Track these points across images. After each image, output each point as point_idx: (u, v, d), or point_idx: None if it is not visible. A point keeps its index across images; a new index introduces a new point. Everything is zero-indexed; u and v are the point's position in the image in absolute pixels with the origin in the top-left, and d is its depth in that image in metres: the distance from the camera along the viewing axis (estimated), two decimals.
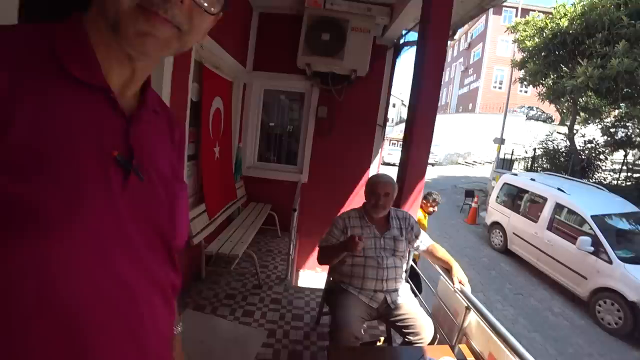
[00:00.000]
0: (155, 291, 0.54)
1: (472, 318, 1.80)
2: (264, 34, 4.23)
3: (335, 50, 3.83)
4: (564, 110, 13.63)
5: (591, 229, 5.71)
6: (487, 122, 22.16)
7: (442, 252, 2.10)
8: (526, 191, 7.58)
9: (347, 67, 3.89)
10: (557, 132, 13.39)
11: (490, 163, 16.16)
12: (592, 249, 5.48)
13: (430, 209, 4.28)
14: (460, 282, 1.90)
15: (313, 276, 4.52)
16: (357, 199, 4.47)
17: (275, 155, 4.92)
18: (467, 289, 1.87)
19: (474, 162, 23.34)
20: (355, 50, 3.83)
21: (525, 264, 7.17)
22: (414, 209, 2.52)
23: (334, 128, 4.39)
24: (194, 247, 2.84)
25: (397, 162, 3.06)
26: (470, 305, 1.76)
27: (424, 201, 4.19)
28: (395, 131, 25.91)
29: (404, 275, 2.11)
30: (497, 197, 8.45)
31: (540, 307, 5.70)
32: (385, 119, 4.72)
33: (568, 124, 12.73)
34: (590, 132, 12.51)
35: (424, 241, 2.14)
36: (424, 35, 2.57)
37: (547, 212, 6.72)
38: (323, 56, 3.85)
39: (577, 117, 12.42)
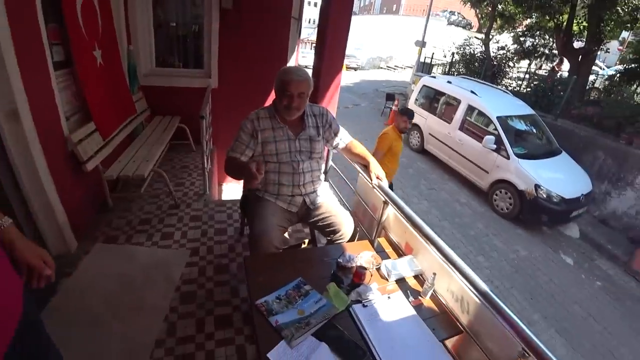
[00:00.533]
0: None
1: (390, 212, 1.84)
2: None
3: None
4: (483, 17, 13.71)
5: (495, 129, 6.28)
6: (410, 25, 21.95)
7: (360, 149, 2.03)
8: (443, 94, 7.85)
9: None
10: (475, 38, 13.65)
11: (412, 68, 16.40)
12: (495, 146, 6.14)
13: (403, 126, 3.77)
14: (377, 178, 1.89)
15: (237, 188, 4.39)
16: (271, 99, 4.20)
17: (181, 60, 4.27)
18: (385, 184, 1.87)
19: (396, 66, 23.56)
20: None
21: (439, 162, 7.80)
22: (332, 106, 2.38)
23: (242, 21, 3.83)
24: (90, 173, 2.46)
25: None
26: (388, 200, 1.78)
27: (402, 117, 3.75)
28: (315, 34, 24.61)
29: (322, 176, 2.02)
30: (416, 99, 8.64)
31: (450, 199, 6.43)
32: (301, 11, 4.24)
33: (485, 30, 13.04)
34: (504, 40, 12.97)
35: (343, 138, 2.01)
36: None
37: (459, 113, 7.11)
38: None
39: (495, 23, 12.69)
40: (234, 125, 4.12)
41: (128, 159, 2.77)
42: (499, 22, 13.13)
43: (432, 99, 8.22)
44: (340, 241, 1.84)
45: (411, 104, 8.82)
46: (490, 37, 12.91)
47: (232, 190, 4.37)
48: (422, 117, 8.23)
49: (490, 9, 12.53)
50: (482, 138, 6.31)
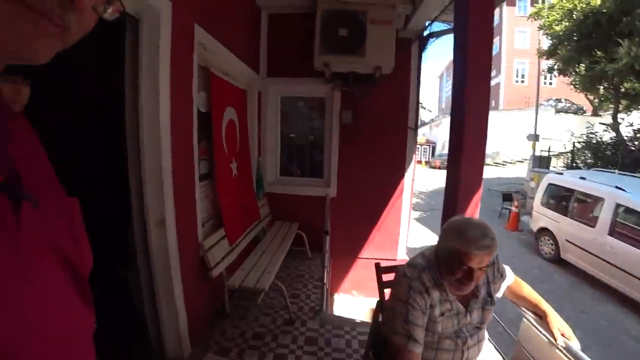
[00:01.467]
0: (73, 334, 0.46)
1: None
2: (276, 36, 3.90)
3: (355, 46, 3.42)
4: (600, 99, 12.54)
5: None
6: (513, 118, 21.29)
7: (527, 290, 1.54)
8: (576, 191, 6.74)
9: (370, 64, 3.47)
10: (600, 123, 12.29)
11: (522, 162, 15.24)
12: None
13: None
14: (563, 335, 1.36)
15: (349, 301, 4.05)
16: (392, 211, 4.01)
17: (299, 168, 4.54)
18: (575, 344, 1.33)
19: (504, 162, 22.33)
20: (378, 45, 3.41)
21: (584, 275, 6.30)
22: None
23: (360, 134, 3.97)
24: (214, 279, 2.46)
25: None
26: None
27: None
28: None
29: (486, 336, 1.52)
30: (542, 199, 7.62)
31: (612, 329, 4.85)
32: (417, 121, 4.26)
33: (603, 113, 11.70)
34: (636, 120, 11.32)
35: (507, 279, 1.53)
36: (463, 8, 2.14)
37: (606, 214, 5.86)
38: (342, 54, 3.45)
39: (619, 104, 11.37)
40: (350, 234, 4.12)
41: (250, 267, 2.75)
42: (623, 102, 11.44)
43: (563, 198, 7.09)
44: None
45: (536, 206, 7.77)
46: (620, 119, 11.27)
47: (345, 303, 4.04)
48: (554, 220, 7.08)
49: (611, 89, 11.15)
50: None
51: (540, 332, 1.45)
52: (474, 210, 2.17)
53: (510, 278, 1.54)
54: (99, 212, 4.37)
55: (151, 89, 1.88)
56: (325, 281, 2.68)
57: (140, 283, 2.07)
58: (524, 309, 1.57)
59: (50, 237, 0.44)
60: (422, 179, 17.95)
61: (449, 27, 3.88)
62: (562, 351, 1.34)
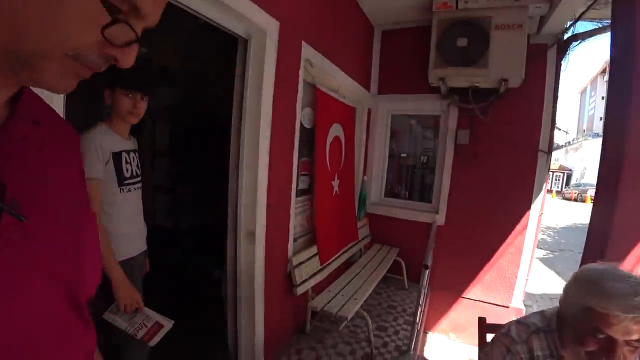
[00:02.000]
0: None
1: None
2: (389, 52, 3.77)
3: (475, 57, 3.03)
4: None
5: None
6: None
7: None
8: None
9: (494, 76, 3.03)
10: None
11: None
12: None
13: None
14: None
15: (444, 344, 3.56)
16: (510, 249, 3.39)
17: (407, 190, 4.27)
18: None
19: None
20: (504, 54, 2.95)
21: None
22: None
23: (478, 156, 3.49)
24: (299, 297, 2.43)
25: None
26: None
27: None
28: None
29: None
30: None
31: None
32: (551, 143, 3.56)
33: None
34: None
35: None
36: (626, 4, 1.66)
37: None
38: (461, 66, 3.10)
39: None
40: (454, 269, 3.64)
41: (338, 290, 2.64)
42: None
43: None
44: None
45: None
46: None
47: (439, 345, 3.57)
48: None
49: None
50: None
51: None
52: (636, 264, 1.63)
53: None
54: (206, 219, 4.88)
55: (254, 104, 1.97)
56: (417, 320, 2.37)
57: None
58: None
59: (37, 256, 0.42)
60: (552, 211, 15.26)
61: (601, 25, 3.14)
62: None
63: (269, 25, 1.92)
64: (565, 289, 1.01)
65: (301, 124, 2.44)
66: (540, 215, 3.45)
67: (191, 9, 1.58)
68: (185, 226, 4.43)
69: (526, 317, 1.12)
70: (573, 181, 26.51)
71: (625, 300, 0.84)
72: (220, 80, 4.27)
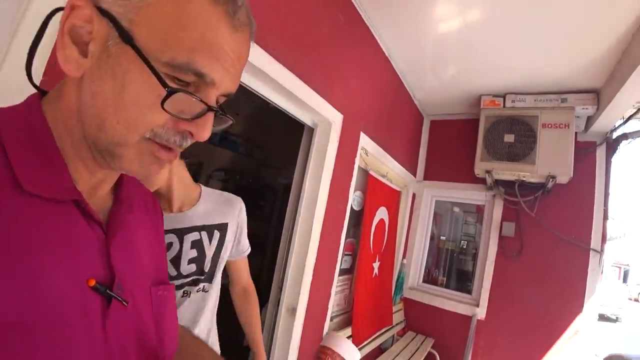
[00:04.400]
0: None
1: None
2: (436, 141, 3.95)
3: (522, 153, 3.12)
4: None
5: None
6: None
7: None
8: None
9: (541, 172, 3.06)
10: None
11: None
12: None
13: None
14: None
15: None
16: (557, 355, 3.11)
17: (444, 275, 4.15)
18: None
19: None
20: (551, 151, 3.02)
21: None
22: None
23: (524, 250, 3.40)
24: None
25: None
26: None
27: None
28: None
29: None
30: None
31: None
32: (604, 241, 3.41)
33: None
34: None
35: None
36: None
37: None
38: (507, 161, 3.18)
39: None
40: None
41: None
42: None
43: None
44: None
45: None
46: None
47: None
48: None
49: None
50: None
51: None
52: None
53: None
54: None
55: (313, 187, 2.12)
56: None
57: None
58: None
59: (133, 335, 0.46)
60: None
61: None
62: None
63: (334, 118, 2.15)
64: None
65: (351, 207, 2.56)
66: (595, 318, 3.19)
67: (262, 95, 1.78)
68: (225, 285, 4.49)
69: None
70: (632, 279, 23.45)
71: None
72: (278, 153, 4.62)
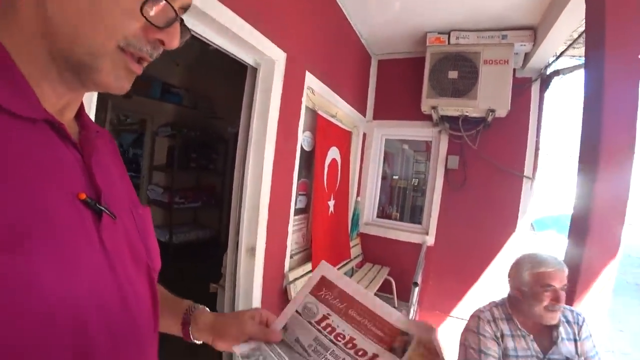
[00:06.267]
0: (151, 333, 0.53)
1: None
2: (384, 80, 3.99)
3: (465, 89, 3.26)
4: None
5: None
6: None
7: None
8: None
9: (482, 107, 3.24)
10: None
11: None
12: None
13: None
14: None
15: None
16: (497, 270, 3.53)
17: (398, 211, 4.42)
18: None
19: None
20: (491, 87, 3.18)
21: None
22: (597, 312, 1.65)
23: (467, 181, 3.68)
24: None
25: None
26: None
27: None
28: None
29: None
30: None
31: None
32: (535, 169, 3.77)
33: None
34: None
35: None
36: (596, 39, 1.86)
37: None
38: (452, 97, 3.31)
39: None
40: (442, 288, 3.76)
41: None
42: None
43: None
44: None
45: None
46: None
47: None
48: None
49: None
50: None
51: None
52: (605, 283, 1.77)
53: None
54: (203, 235, 4.93)
55: (261, 128, 2.10)
56: None
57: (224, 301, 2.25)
58: None
59: (125, 248, 0.49)
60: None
61: (581, 62, 3.40)
62: None
63: (278, 56, 2.09)
64: (510, 275, 1.46)
65: (301, 147, 2.59)
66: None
67: (204, 38, 1.71)
68: (180, 241, 4.48)
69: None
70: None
71: (554, 261, 1.33)
72: (224, 101, 4.45)
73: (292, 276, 2.49)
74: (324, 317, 0.67)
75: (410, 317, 2.61)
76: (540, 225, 7.38)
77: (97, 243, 0.43)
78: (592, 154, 1.84)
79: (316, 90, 2.63)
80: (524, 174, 3.58)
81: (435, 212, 3.80)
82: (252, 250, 2.13)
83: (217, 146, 5.05)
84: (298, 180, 2.58)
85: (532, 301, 1.32)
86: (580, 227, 1.85)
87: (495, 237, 3.57)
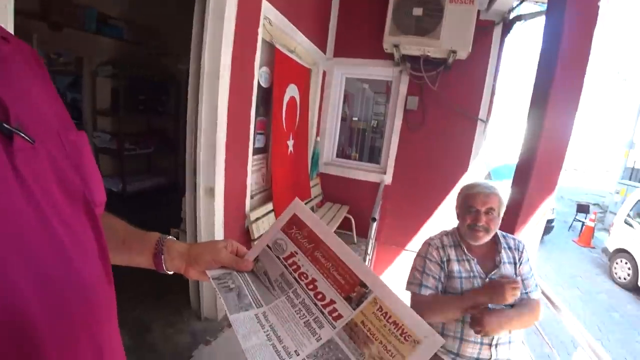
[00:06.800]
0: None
1: None
2: (346, 15, 3.79)
3: (429, 27, 3.19)
4: None
5: None
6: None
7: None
8: None
9: (445, 47, 3.21)
10: None
11: (609, 172, 13.55)
12: None
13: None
14: None
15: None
16: (449, 207, 3.77)
17: (357, 151, 4.47)
18: None
19: (586, 169, 19.83)
20: (455, 27, 3.13)
21: None
22: (534, 239, 1.83)
23: (425, 122, 3.75)
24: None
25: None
26: None
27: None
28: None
29: (521, 335, 1.47)
30: (628, 216, 6.74)
31: None
32: (489, 112, 3.91)
33: None
34: None
35: (530, 293, 1.42)
36: None
37: None
38: (414, 35, 3.23)
39: None
40: (399, 224, 4.00)
41: None
42: None
43: None
44: None
45: (618, 222, 6.89)
46: None
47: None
48: (637, 242, 6.22)
49: None
50: None
51: None
52: (543, 215, 1.95)
53: (534, 297, 1.42)
54: (159, 181, 4.73)
55: (213, 61, 1.95)
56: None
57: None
58: None
59: (49, 177, 0.42)
60: None
61: (543, 9, 3.42)
62: None
63: None
64: (456, 200, 1.58)
65: (258, 83, 2.46)
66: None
67: None
68: (135, 190, 4.28)
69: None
70: None
71: (479, 186, 1.45)
72: (173, 35, 4.03)
73: (253, 216, 2.50)
74: (291, 254, 0.69)
75: (369, 250, 2.76)
76: (497, 175, 7.85)
77: (8, 171, 0.36)
78: (543, 98, 1.92)
79: (274, 21, 2.44)
80: (479, 117, 3.70)
81: (393, 152, 3.90)
82: (210, 191, 2.08)
83: (167, 86, 4.68)
84: (256, 118, 2.49)
85: (460, 220, 1.49)
86: (525, 167, 1.98)
87: (449, 177, 3.76)
